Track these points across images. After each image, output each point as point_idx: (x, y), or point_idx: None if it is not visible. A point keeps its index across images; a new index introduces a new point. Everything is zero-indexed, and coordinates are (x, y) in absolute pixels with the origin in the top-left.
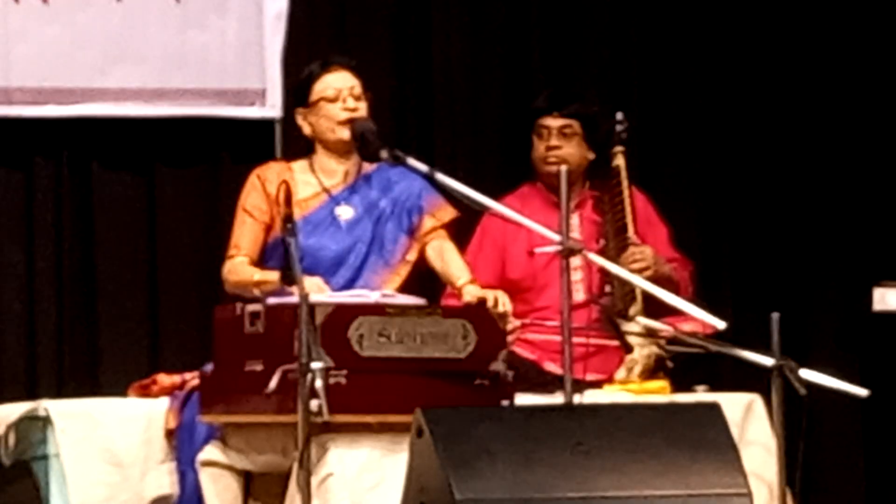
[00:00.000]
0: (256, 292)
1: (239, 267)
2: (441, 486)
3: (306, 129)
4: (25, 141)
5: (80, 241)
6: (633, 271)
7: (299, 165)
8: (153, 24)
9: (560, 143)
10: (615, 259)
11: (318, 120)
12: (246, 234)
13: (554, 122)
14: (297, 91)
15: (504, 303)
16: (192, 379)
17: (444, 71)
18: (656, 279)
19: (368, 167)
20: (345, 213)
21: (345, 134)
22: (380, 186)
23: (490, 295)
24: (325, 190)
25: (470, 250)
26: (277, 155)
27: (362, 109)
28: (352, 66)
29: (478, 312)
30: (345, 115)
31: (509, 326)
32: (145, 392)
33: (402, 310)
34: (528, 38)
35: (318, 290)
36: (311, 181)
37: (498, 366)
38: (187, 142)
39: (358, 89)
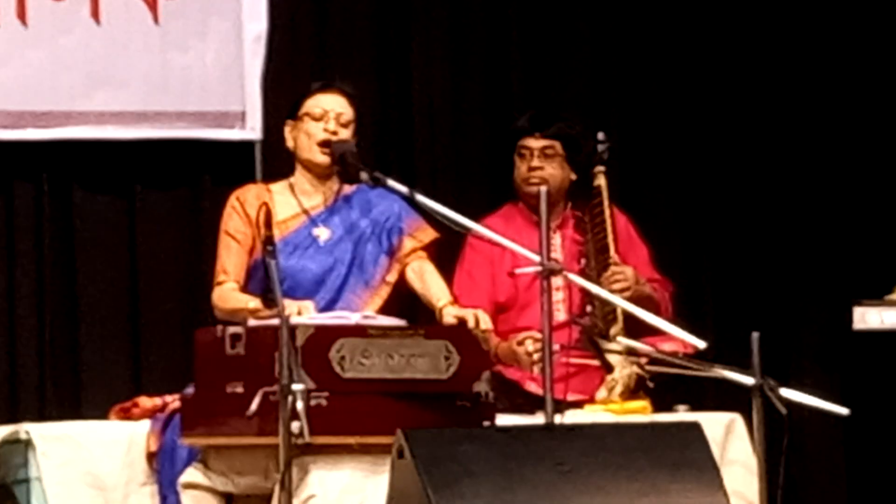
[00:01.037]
0: (252, 321)
1: (230, 294)
2: None
3: (289, 143)
4: (5, 164)
5: (61, 264)
6: (613, 291)
7: (278, 186)
8: (134, 48)
9: (542, 164)
10: (596, 279)
11: (299, 135)
12: (232, 259)
13: (536, 143)
14: (293, 103)
15: (485, 321)
16: (174, 401)
17: (425, 92)
18: (637, 299)
19: (348, 188)
20: (322, 233)
21: (317, 156)
22: (360, 207)
23: (470, 314)
24: (305, 211)
25: (462, 270)
26: (258, 176)
27: (343, 137)
28: (349, 94)
29: (460, 333)
30: (322, 136)
31: (531, 348)
32: (127, 415)
33: (384, 331)
34: (509, 58)
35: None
36: (290, 202)
37: (481, 386)
38: (168, 164)
39: (347, 117)
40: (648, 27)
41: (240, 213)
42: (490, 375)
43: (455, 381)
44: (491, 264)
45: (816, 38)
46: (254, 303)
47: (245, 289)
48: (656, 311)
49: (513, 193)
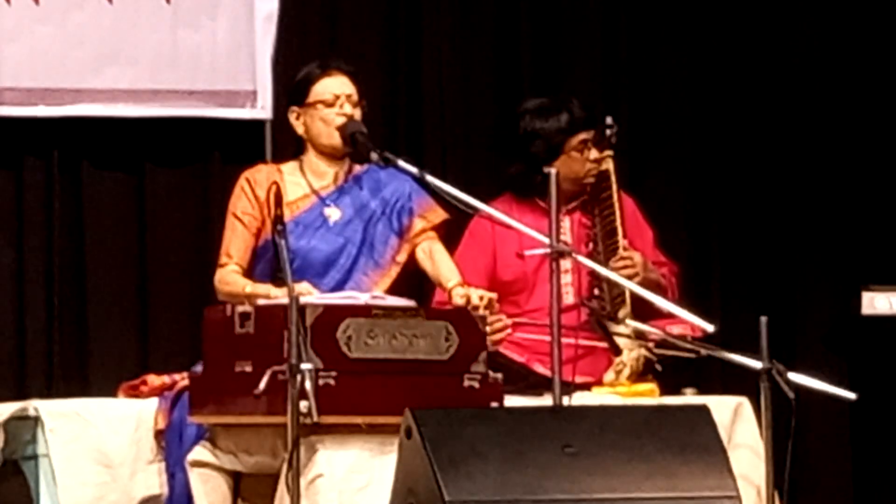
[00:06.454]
0: (262, 301)
1: (230, 277)
2: (430, 487)
3: (299, 129)
4: (16, 141)
5: (70, 241)
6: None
7: (289, 167)
8: (144, 25)
9: (596, 155)
10: (604, 263)
11: (314, 122)
12: (237, 242)
13: (589, 135)
14: (295, 89)
15: (492, 302)
16: (182, 380)
17: (434, 73)
18: (645, 285)
19: (358, 168)
20: (333, 214)
21: (338, 140)
22: (370, 188)
23: (475, 294)
24: (315, 192)
25: (458, 255)
26: (267, 155)
27: (357, 118)
28: (351, 73)
29: (460, 314)
30: (340, 121)
31: (500, 324)
32: (135, 392)
33: (388, 311)
34: (518, 42)
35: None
36: (300, 182)
37: (478, 367)
38: (178, 142)
39: (355, 97)
40: (657, 11)
41: (248, 194)
42: (487, 356)
43: (454, 362)
44: (492, 250)
45: (824, 26)
46: (250, 287)
47: (253, 270)
48: (664, 297)
49: (511, 182)
